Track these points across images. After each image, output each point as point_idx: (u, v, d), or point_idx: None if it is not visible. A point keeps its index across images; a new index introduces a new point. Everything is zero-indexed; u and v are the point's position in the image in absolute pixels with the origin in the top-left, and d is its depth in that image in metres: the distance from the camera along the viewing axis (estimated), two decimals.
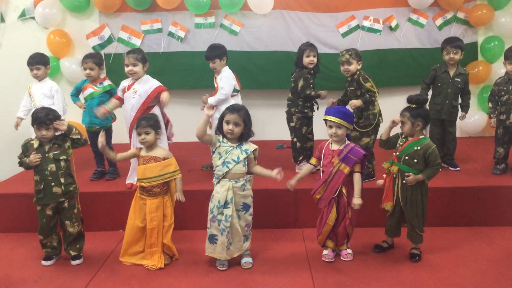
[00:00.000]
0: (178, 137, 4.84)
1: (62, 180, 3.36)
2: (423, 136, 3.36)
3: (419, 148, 3.31)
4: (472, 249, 3.64)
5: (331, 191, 3.37)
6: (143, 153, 3.48)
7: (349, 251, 3.53)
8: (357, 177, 3.36)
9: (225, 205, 3.29)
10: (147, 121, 3.45)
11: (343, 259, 3.49)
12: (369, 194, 3.62)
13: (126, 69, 4.11)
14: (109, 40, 5.91)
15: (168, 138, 4.37)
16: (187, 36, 5.88)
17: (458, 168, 4.59)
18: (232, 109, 3.31)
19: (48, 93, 4.52)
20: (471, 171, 4.54)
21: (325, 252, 3.52)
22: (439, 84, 4.51)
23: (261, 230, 3.96)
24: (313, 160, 3.54)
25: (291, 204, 4.13)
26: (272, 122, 5.78)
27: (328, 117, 3.35)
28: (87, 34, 5.88)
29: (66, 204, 3.41)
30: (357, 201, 3.30)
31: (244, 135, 3.32)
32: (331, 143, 3.42)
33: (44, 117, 3.30)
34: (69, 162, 3.43)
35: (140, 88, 4.09)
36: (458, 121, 5.99)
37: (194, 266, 3.45)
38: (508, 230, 3.89)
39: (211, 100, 4.42)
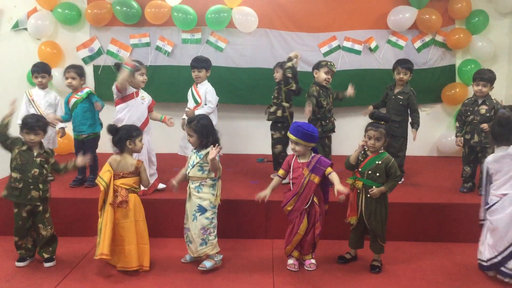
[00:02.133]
0: (163, 148, 5.01)
1: (41, 186, 3.51)
2: (382, 151, 3.52)
3: (380, 162, 3.47)
4: (432, 263, 3.77)
5: (303, 202, 3.51)
6: None
7: (313, 261, 3.66)
8: (334, 175, 3.46)
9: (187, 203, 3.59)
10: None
11: (307, 268, 3.62)
12: (334, 207, 3.78)
13: (141, 78, 4.38)
14: (99, 53, 6.11)
15: None
16: (174, 51, 6.09)
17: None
18: (187, 121, 3.65)
19: (53, 102, 4.80)
20: (440, 188, 4.69)
21: (290, 261, 3.65)
22: (386, 101, 4.72)
23: (233, 239, 4.10)
24: (281, 172, 3.68)
25: (262, 215, 4.26)
26: (253, 136, 5.95)
27: (289, 134, 3.56)
28: (77, 46, 6.08)
29: (40, 208, 3.55)
30: (341, 187, 3.32)
31: (203, 144, 3.52)
32: (298, 157, 3.58)
33: (34, 123, 3.50)
34: (48, 172, 3.58)
35: (146, 96, 4.45)
36: (436, 141, 6.21)
37: (162, 271, 3.58)
38: (470, 246, 3.98)
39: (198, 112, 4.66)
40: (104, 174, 3.50)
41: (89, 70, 6.01)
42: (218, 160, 3.49)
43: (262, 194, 3.59)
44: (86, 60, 6.06)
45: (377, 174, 3.47)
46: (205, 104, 4.81)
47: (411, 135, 4.83)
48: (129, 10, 5.85)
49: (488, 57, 6.09)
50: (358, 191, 3.57)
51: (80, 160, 3.68)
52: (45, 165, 3.54)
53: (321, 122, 4.60)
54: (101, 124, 4.74)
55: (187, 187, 3.62)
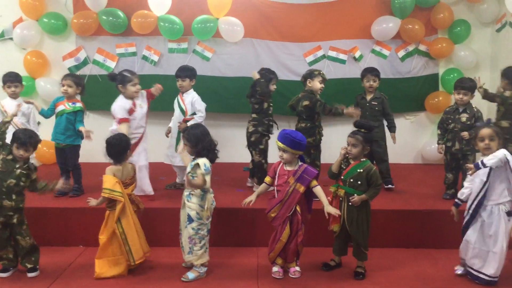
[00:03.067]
0: (149, 157, 4.99)
1: (14, 196, 3.48)
2: (364, 159, 3.57)
3: (362, 170, 3.52)
4: (415, 269, 3.82)
5: (287, 209, 3.54)
6: None
7: (297, 268, 3.68)
8: (318, 189, 3.54)
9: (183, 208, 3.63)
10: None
11: (291, 276, 3.64)
12: (319, 214, 3.80)
13: (134, 88, 4.48)
14: (85, 62, 6.13)
15: None
16: (161, 60, 6.13)
17: (390, 186, 4.96)
18: (182, 131, 3.69)
19: (26, 112, 4.77)
20: (424, 195, 4.75)
21: (274, 269, 3.67)
22: (360, 109, 4.76)
23: (219, 248, 4.10)
24: (267, 179, 3.71)
25: (248, 223, 4.28)
26: (240, 145, 5.95)
27: (276, 142, 3.58)
28: (63, 55, 6.08)
29: (15, 220, 3.50)
30: (331, 209, 3.45)
31: (195, 152, 3.55)
32: (285, 164, 3.61)
33: (26, 139, 3.49)
34: (24, 186, 3.56)
35: (142, 102, 4.55)
36: (420, 148, 6.29)
37: (148, 280, 3.59)
38: (453, 252, 4.00)
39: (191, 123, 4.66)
40: (116, 186, 3.53)
41: None
42: (205, 173, 3.47)
43: (248, 199, 3.64)
44: (72, 69, 6.06)
45: (359, 182, 3.52)
46: (194, 114, 4.84)
47: (390, 140, 5.01)
48: (115, 20, 5.89)
49: (471, 66, 6.20)
50: (341, 199, 3.60)
51: (61, 184, 3.70)
52: (23, 178, 3.50)
53: (318, 130, 4.68)
54: (81, 137, 4.70)
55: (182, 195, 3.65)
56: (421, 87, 6.31)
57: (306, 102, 4.55)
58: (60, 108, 4.60)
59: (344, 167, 3.60)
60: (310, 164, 3.81)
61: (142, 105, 4.53)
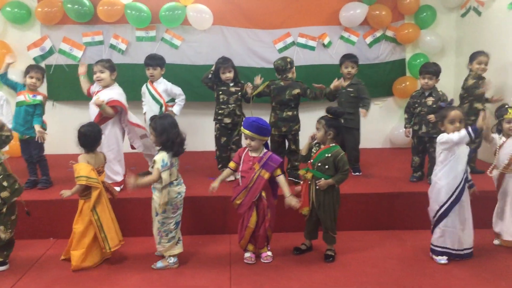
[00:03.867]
0: (123, 147, 4.95)
1: (5, 183, 3.44)
2: (333, 144, 3.63)
3: (329, 155, 3.58)
4: (383, 250, 3.92)
5: (252, 195, 3.58)
6: None
7: (269, 253, 3.74)
8: (281, 179, 3.61)
9: None
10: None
11: (263, 261, 3.69)
12: None
13: (94, 76, 4.47)
14: (50, 52, 5.99)
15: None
16: (129, 49, 6.05)
17: (358, 173, 5.06)
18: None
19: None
20: (391, 178, 4.86)
21: (246, 254, 3.71)
22: (337, 96, 4.84)
23: (191, 236, 4.12)
24: (231, 164, 3.74)
25: (220, 211, 4.30)
26: (211, 133, 5.94)
27: (243, 129, 3.60)
28: (28, 45, 5.94)
29: (4, 209, 3.46)
30: (292, 200, 3.53)
31: (160, 143, 3.52)
32: (250, 150, 3.64)
33: None
34: (3, 165, 3.51)
35: (102, 96, 4.36)
36: (389, 133, 6.40)
37: (121, 269, 3.59)
38: (419, 232, 4.15)
39: (176, 110, 4.80)
40: (92, 173, 3.53)
41: None
42: (161, 170, 3.41)
43: (211, 187, 3.66)
44: (38, 59, 5.92)
45: (326, 166, 3.58)
46: (171, 100, 4.88)
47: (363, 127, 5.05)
48: (81, 8, 5.77)
49: (437, 51, 6.32)
50: (309, 182, 3.66)
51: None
52: None
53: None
54: (44, 128, 4.61)
55: None
56: (388, 73, 6.41)
57: (297, 91, 4.58)
58: (20, 98, 4.47)
59: (315, 151, 3.66)
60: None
61: (99, 98, 4.40)
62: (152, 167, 3.50)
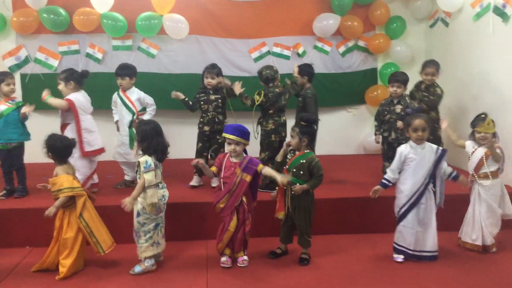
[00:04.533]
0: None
1: None
2: (308, 151, 3.75)
3: (304, 161, 3.70)
4: (356, 253, 4.05)
5: (235, 199, 3.68)
6: None
7: (245, 257, 3.82)
8: (266, 169, 3.71)
9: None
10: (47, 141, 3.74)
11: (240, 265, 3.77)
12: (265, 206, 3.97)
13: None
14: (26, 61, 6.01)
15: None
16: (105, 58, 6.10)
17: None
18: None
19: None
20: (364, 183, 4.97)
21: (223, 259, 3.79)
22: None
23: (169, 242, 4.12)
24: (213, 168, 3.81)
25: (197, 217, 4.37)
26: (188, 141, 6.01)
27: (227, 135, 3.68)
28: (3, 54, 5.93)
29: None
30: (285, 177, 3.61)
31: (142, 148, 3.62)
32: (231, 156, 3.74)
33: None
34: None
35: None
36: (362, 140, 6.56)
37: (100, 276, 3.63)
38: (391, 236, 4.25)
39: (147, 118, 4.77)
40: (74, 183, 3.62)
41: (16, 78, 5.85)
42: (144, 171, 3.51)
43: (194, 160, 3.78)
44: (13, 68, 5.93)
45: (301, 172, 3.70)
46: (143, 109, 4.91)
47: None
48: (56, 18, 5.80)
49: (406, 60, 6.54)
50: (285, 188, 3.77)
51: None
52: None
53: None
54: (28, 133, 4.65)
55: None
56: (361, 81, 6.60)
57: (288, 94, 4.91)
58: (2, 108, 4.47)
59: (290, 157, 3.78)
60: None
61: None
62: (136, 171, 3.62)
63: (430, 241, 3.79)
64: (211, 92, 4.89)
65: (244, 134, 3.70)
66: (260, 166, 3.71)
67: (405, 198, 3.79)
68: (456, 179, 3.81)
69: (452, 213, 4.35)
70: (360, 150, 6.79)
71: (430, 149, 3.79)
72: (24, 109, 4.42)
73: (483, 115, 3.99)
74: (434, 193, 3.83)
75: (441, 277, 3.57)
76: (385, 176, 3.91)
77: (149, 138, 3.59)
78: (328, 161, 6.06)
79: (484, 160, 3.95)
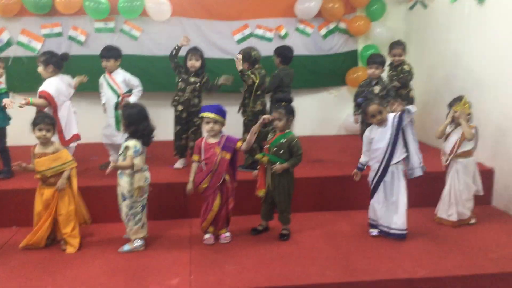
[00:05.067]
0: (82, 138, 5.06)
1: None
2: (288, 130, 3.87)
3: (285, 140, 3.83)
4: (334, 229, 4.22)
5: (217, 178, 3.80)
6: (37, 150, 3.76)
7: (228, 234, 3.96)
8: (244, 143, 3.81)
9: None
10: (50, 119, 3.80)
11: (222, 241, 3.92)
12: (248, 185, 4.10)
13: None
14: (8, 44, 5.99)
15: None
16: (88, 40, 6.11)
17: None
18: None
19: None
20: (344, 163, 5.14)
21: (206, 236, 3.93)
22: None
23: (154, 221, 4.25)
24: (195, 157, 3.91)
25: (180, 197, 4.46)
26: (171, 123, 6.10)
27: (205, 114, 3.77)
28: None
29: None
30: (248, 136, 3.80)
31: (128, 132, 3.69)
32: (208, 138, 3.84)
33: None
34: None
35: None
36: (343, 120, 6.70)
37: (88, 253, 3.75)
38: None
39: (133, 100, 4.86)
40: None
41: None
42: (134, 156, 3.60)
43: (188, 187, 3.85)
44: None
45: (281, 151, 3.82)
46: (129, 91, 4.98)
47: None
48: (39, 0, 5.78)
49: (387, 42, 6.52)
50: (265, 166, 3.89)
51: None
52: None
53: None
54: (8, 118, 4.70)
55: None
56: (342, 63, 6.71)
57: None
58: None
59: (271, 137, 3.90)
60: None
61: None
62: (120, 153, 3.68)
63: (399, 220, 3.91)
64: (192, 74, 4.95)
65: (222, 112, 3.80)
66: (239, 143, 3.81)
67: (373, 173, 3.97)
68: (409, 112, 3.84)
69: (428, 190, 4.56)
70: (341, 131, 6.94)
71: (391, 121, 3.88)
72: (5, 102, 4.38)
73: (461, 97, 4.14)
74: (406, 172, 3.97)
75: (413, 250, 3.75)
76: (360, 160, 4.06)
77: (136, 122, 3.64)
78: (309, 141, 6.26)
79: (460, 141, 4.11)
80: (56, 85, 4.55)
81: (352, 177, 4.09)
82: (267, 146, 3.92)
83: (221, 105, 3.86)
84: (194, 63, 4.90)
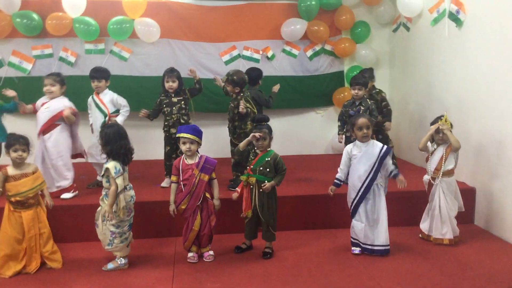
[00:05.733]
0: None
1: None
2: (269, 149, 3.96)
3: (269, 159, 3.91)
4: (318, 247, 4.27)
5: (195, 199, 3.86)
6: (11, 172, 3.72)
7: (211, 252, 4.01)
8: (215, 183, 3.96)
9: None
10: (24, 139, 3.75)
11: (206, 260, 3.96)
12: (229, 204, 4.16)
13: (44, 88, 4.68)
14: (0, 64, 6.08)
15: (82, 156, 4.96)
16: (78, 61, 6.24)
17: None
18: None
19: None
20: (329, 181, 5.07)
21: (189, 254, 3.97)
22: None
23: (139, 239, 4.29)
24: (173, 178, 3.97)
25: (166, 215, 4.49)
26: (157, 143, 6.18)
27: (182, 134, 3.86)
28: None
29: None
30: (217, 202, 3.92)
31: (105, 152, 3.74)
32: (186, 158, 3.91)
33: None
34: None
35: (52, 105, 4.63)
36: (330, 140, 6.79)
37: (67, 272, 3.78)
38: None
39: (120, 120, 4.91)
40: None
41: None
42: (116, 177, 3.62)
43: (171, 209, 3.92)
44: None
45: (268, 169, 3.91)
46: (116, 111, 5.06)
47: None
48: (29, 22, 5.91)
49: (372, 63, 6.78)
50: (251, 186, 3.96)
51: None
52: None
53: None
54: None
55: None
56: (328, 84, 6.85)
57: None
58: None
59: (253, 158, 3.98)
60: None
61: (48, 107, 4.65)
62: (102, 175, 3.71)
63: (381, 236, 3.99)
64: (173, 95, 5.05)
65: (198, 133, 3.89)
66: (213, 174, 3.93)
67: (353, 193, 4.04)
68: (395, 177, 4.01)
69: (409, 208, 4.65)
70: (328, 150, 7.04)
71: (375, 146, 4.01)
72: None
73: (442, 117, 4.24)
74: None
75: (393, 268, 3.79)
76: (336, 176, 4.14)
77: (112, 142, 3.67)
78: (297, 160, 6.37)
79: (444, 159, 4.21)
80: (71, 103, 4.78)
81: (328, 193, 4.14)
82: (251, 166, 3.99)
83: (196, 125, 3.94)
84: (171, 85, 5.00)
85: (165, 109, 5.05)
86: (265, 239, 4.08)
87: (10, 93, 4.64)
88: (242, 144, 3.99)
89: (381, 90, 5.67)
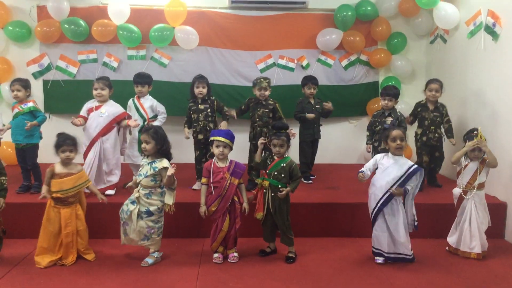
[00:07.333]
0: None
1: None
2: (286, 156, 4.08)
3: (285, 165, 4.02)
4: (342, 255, 4.32)
5: (226, 202, 4.02)
6: (58, 170, 4.00)
7: (236, 254, 4.14)
8: (242, 187, 4.11)
9: (133, 203, 3.96)
10: (72, 140, 4.03)
11: (230, 261, 4.09)
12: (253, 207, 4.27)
13: (95, 92, 4.96)
14: (48, 68, 6.47)
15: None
16: (120, 66, 6.52)
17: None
18: (143, 130, 4.05)
19: None
20: (357, 190, 5.23)
21: (215, 255, 4.12)
22: (307, 113, 5.54)
23: (169, 239, 4.47)
24: (203, 180, 4.13)
25: (196, 217, 4.65)
26: (193, 147, 6.38)
27: (217, 138, 4.02)
28: (27, 61, 6.41)
29: None
30: (246, 205, 4.07)
31: (158, 151, 3.95)
32: (217, 161, 4.06)
33: None
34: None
35: (109, 110, 4.94)
36: (363, 150, 6.82)
37: (97, 267, 3.99)
38: None
39: (156, 125, 5.03)
40: None
41: (39, 84, 6.43)
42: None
43: (201, 210, 4.07)
44: (36, 75, 6.42)
45: (282, 175, 4.02)
46: (154, 116, 5.30)
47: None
48: (77, 28, 6.25)
49: (407, 75, 6.78)
50: (265, 190, 4.07)
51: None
52: None
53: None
54: (40, 137, 5.07)
55: (136, 191, 4.03)
56: (362, 94, 6.87)
57: None
58: (14, 111, 4.98)
59: (269, 162, 4.09)
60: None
61: (104, 112, 4.94)
62: (156, 175, 3.97)
63: (403, 244, 4.03)
64: (200, 101, 5.22)
65: (231, 137, 4.07)
66: (240, 179, 4.08)
67: (374, 202, 4.08)
68: (405, 193, 4.02)
69: (437, 221, 4.63)
70: (361, 160, 7.03)
71: (404, 162, 4.05)
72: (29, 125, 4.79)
73: (475, 130, 4.23)
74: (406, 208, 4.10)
75: (416, 280, 3.80)
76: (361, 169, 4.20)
77: (166, 141, 4.00)
78: (329, 169, 6.44)
79: (479, 173, 4.20)
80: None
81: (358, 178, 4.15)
82: (266, 171, 4.11)
83: (230, 130, 4.11)
84: (201, 90, 5.18)
85: (193, 115, 5.24)
86: (283, 243, 4.17)
87: (76, 122, 4.88)
88: (257, 157, 4.14)
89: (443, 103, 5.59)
